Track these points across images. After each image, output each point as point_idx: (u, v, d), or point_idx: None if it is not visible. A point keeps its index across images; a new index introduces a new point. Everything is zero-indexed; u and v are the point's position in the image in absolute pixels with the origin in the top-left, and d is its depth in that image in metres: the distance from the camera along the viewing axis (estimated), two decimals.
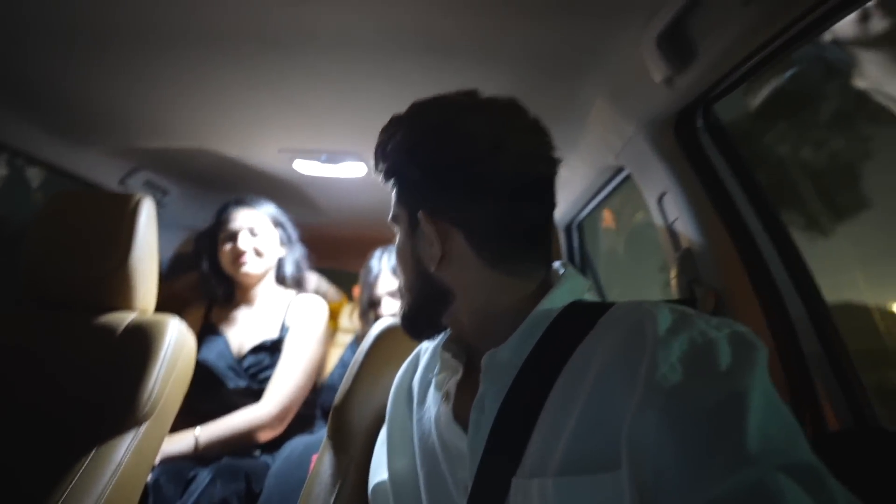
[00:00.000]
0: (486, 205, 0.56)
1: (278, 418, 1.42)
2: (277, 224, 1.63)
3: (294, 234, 1.69)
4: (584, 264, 1.82)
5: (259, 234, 1.56)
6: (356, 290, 1.84)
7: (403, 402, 0.71)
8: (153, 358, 1.00)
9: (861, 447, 0.69)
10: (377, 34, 0.91)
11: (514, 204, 0.56)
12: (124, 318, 1.06)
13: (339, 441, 0.82)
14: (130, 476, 0.94)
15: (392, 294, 1.71)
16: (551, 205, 0.61)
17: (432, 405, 0.64)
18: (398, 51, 0.96)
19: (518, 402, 0.52)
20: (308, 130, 1.35)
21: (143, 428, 0.97)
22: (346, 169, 1.57)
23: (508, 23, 0.86)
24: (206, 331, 1.55)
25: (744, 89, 0.94)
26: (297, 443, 1.41)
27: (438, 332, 0.65)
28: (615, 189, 1.40)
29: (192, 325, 1.17)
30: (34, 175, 1.78)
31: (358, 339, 1.85)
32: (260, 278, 1.59)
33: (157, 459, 1.20)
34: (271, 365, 1.49)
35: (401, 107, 0.62)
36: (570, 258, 1.81)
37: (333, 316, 1.87)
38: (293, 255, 1.67)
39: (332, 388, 1.68)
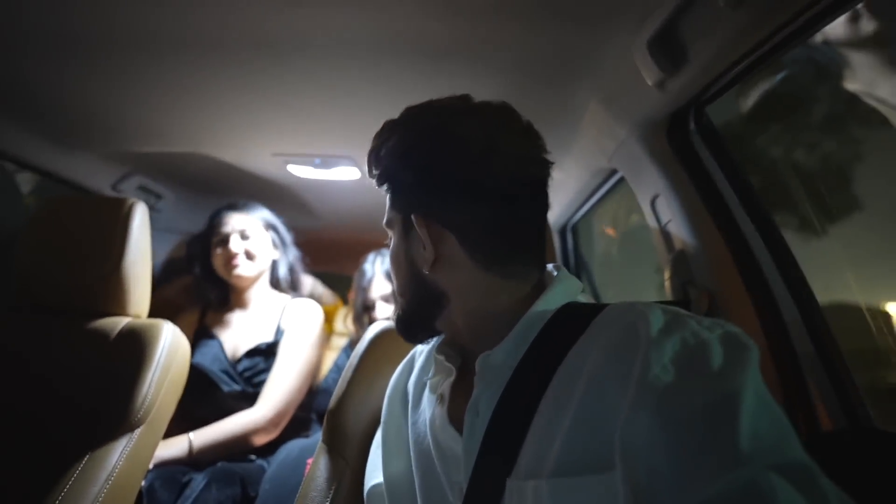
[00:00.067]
0: (478, 208, 0.56)
1: (273, 423, 1.41)
2: (269, 227, 1.63)
3: (288, 237, 1.69)
4: (578, 267, 1.83)
5: (250, 237, 1.56)
6: (351, 295, 1.84)
7: (398, 405, 0.71)
8: (147, 363, 0.99)
9: (854, 447, 0.69)
10: (371, 39, 0.91)
11: (507, 207, 0.57)
12: (118, 323, 1.05)
13: (334, 444, 0.82)
14: (125, 481, 0.93)
15: (385, 298, 1.71)
16: (544, 207, 0.61)
17: (427, 408, 0.64)
18: (392, 56, 0.96)
19: (512, 404, 0.52)
20: (302, 135, 1.35)
21: (137, 433, 0.96)
22: (340, 173, 1.58)
23: (501, 28, 0.87)
24: (201, 334, 1.54)
25: (735, 92, 0.95)
26: (293, 446, 1.41)
27: (433, 336, 0.65)
28: (609, 192, 1.41)
29: (186, 329, 1.17)
30: (26, 180, 1.77)
31: (352, 344, 1.85)
32: (253, 281, 1.59)
33: (152, 464, 1.20)
34: (266, 369, 1.49)
35: (394, 111, 0.63)
36: (565, 261, 1.82)
37: (328, 319, 1.87)
38: (287, 259, 1.67)
39: (326, 391, 1.68)
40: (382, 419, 0.71)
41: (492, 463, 0.51)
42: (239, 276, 1.54)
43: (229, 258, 1.53)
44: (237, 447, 1.36)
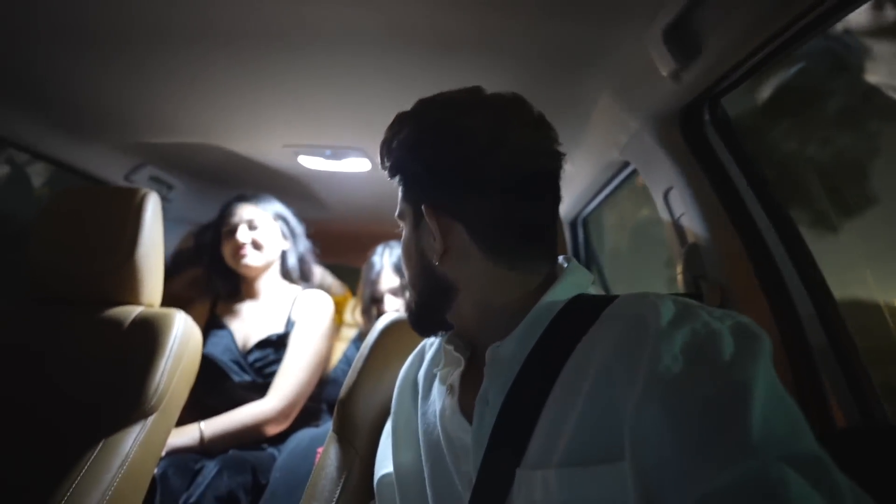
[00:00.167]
0: (487, 199, 0.56)
1: (284, 414, 1.42)
2: (278, 218, 1.64)
3: (298, 228, 1.69)
4: (588, 260, 1.82)
5: (258, 228, 1.57)
6: (360, 287, 1.85)
7: (408, 396, 0.71)
8: (160, 351, 1.00)
9: (870, 445, 0.68)
10: (381, 30, 0.91)
11: (517, 198, 0.57)
12: (131, 312, 1.06)
13: (344, 434, 0.82)
14: (138, 468, 0.95)
15: (394, 291, 1.71)
16: (555, 200, 0.61)
17: (437, 399, 0.65)
18: (402, 47, 0.96)
19: (522, 394, 0.52)
20: (312, 126, 1.35)
21: (150, 420, 0.98)
22: (351, 164, 1.57)
23: (513, 18, 0.86)
24: (212, 325, 1.56)
25: (750, 84, 0.93)
26: (303, 435, 1.42)
27: (445, 329, 0.65)
28: (620, 184, 1.40)
29: (197, 319, 1.18)
30: (41, 170, 1.79)
31: (361, 335, 1.86)
32: (261, 271, 1.60)
33: (164, 452, 1.21)
34: (277, 360, 1.50)
35: (405, 103, 0.63)
36: (575, 254, 1.81)
37: (338, 310, 1.88)
38: (297, 249, 1.67)
39: (335, 382, 1.69)
40: (392, 409, 0.72)
41: (501, 453, 0.51)
42: (247, 266, 1.55)
43: (237, 248, 1.54)
44: (248, 437, 1.37)
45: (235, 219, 1.57)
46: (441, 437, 0.61)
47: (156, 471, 1.12)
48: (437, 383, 0.66)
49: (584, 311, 0.53)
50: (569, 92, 1.10)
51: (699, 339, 0.44)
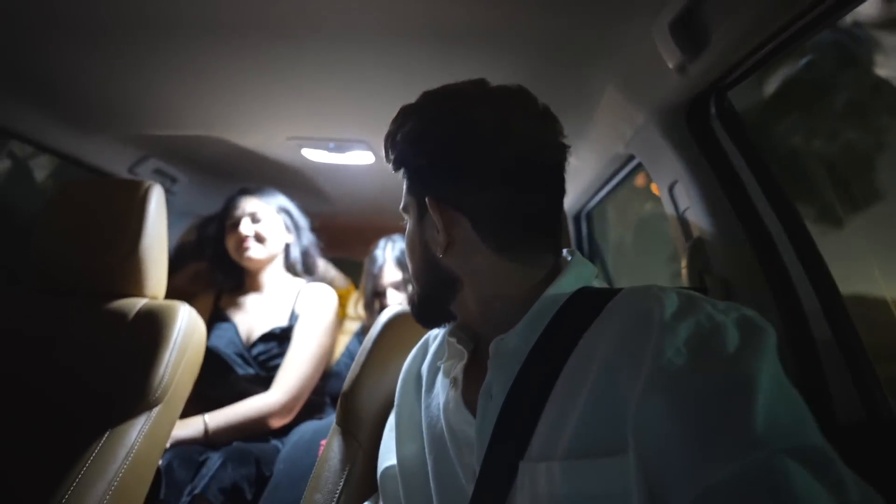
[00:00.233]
0: (491, 191, 0.56)
1: (288, 408, 1.43)
2: (282, 211, 1.64)
3: (302, 221, 1.69)
4: (592, 254, 1.81)
5: (262, 221, 1.57)
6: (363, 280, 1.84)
7: (412, 389, 0.71)
8: (164, 343, 1.01)
9: (874, 440, 0.68)
10: (386, 23, 0.90)
11: (521, 191, 0.57)
12: (135, 305, 1.07)
13: (348, 427, 0.82)
14: (143, 459, 0.95)
15: (396, 286, 1.71)
16: (559, 192, 0.61)
17: (440, 392, 0.65)
18: (406, 39, 0.95)
19: (526, 388, 0.52)
20: (316, 119, 1.35)
21: (154, 412, 0.98)
22: (354, 157, 1.57)
23: (518, 10, 0.85)
24: (216, 318, 1.56)
25: (757, 77, 0.92)
26: (307, 428, 1.43)
27: (449, 321, 0.65)
28: (625, 178, 1.39)
29: (201, 312, 1.18)
30: (45, 163, 1.79)
31: (364, 329, 1.86)
32: (265, 264, 1.60)
33: (168, 444, 1.22)
34: (281, 353, 1.51)
35: (409, 95, 0.62)
36: (579, 247, 1.80)
37: (341, 303, 1.88)
38: (301, 243, 1.67)
39: (339, 375, 1.69)
40: (396, 402, 0.72)
41: (505, 446, 0.51)
42: (250, 259, 1.55)
43: (240, 241, 1.54)
44: (252, 430, 1.38)
45: (239, 212, 1.57)
46: (445, 430, 0.61)
47: (160, 462, 1.13)
48: (440, 376, 0.66)
49: (588, 303, 0.53)
50: (574, 85, 1.09)
51: (703, 332, 0.44)
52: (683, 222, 1.04)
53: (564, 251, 0.62)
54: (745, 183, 0.89)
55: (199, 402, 1.35)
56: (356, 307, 1.94)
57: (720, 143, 0.92)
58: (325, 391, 1.63)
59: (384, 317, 0.90)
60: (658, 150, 1.02)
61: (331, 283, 1.83)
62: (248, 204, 1.58)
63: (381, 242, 1.79)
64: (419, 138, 0.59)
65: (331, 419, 0.89)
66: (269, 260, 1.60)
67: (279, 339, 1.53)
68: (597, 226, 1.84)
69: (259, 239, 1.56)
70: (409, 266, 0.64)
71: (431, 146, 0.58)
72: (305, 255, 1.69)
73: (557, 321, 0.54)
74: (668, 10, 0.78)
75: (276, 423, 1.42)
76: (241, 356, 1.50)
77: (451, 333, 0.63)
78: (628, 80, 1.01)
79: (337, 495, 0.77)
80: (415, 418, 0.68)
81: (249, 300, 1.60)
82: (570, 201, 1.67)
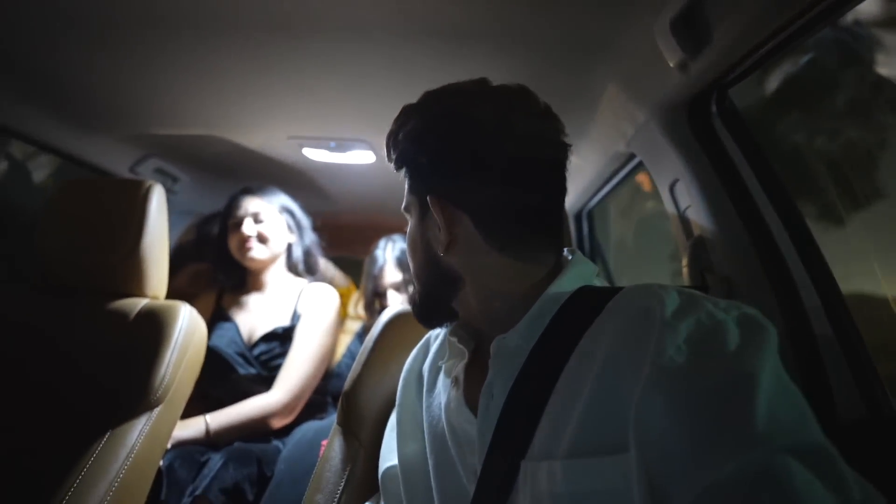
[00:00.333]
0: (492, 189, 0.56)
1: (289, 408, 1.43)
2: (284, 211, 1.64)
3: (304, 221, 1.69)
4: (593, 252, 1.81)
5: (264, 221, 1.57)
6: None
7: (413, 388, 0.71)
8: (165, 343, 1.01)
9: (875, 438, 0.68)
10: (387, 22, 0.90)
11: (522, 189, 0.57)
12: (137, 304, 1.07)
13: (349, 426, 0.82)
14: (144, 459, 0.95)
15: (397, 287, 1.70)
16: (561, 190, 0.61)
17: (442, 391, 0.65)
18: (408, 38, 0.95)
19: (527, 387, 0.52)
20: (317, 118, 1.35)
21: (156, 412, 0.98)
22: (355, 156, 1.57)
23: (519, 8, 0.85)
24: (218, 317, 1.56)
25: (759, 75, 0.92)
26: (308, 428, 1.43)
27: (450, 321, 0.65)
28: (626, 177, 1.39)
29: (203, 311, 1.18)
30: (46, 162, 1.79)
31: (366, 329, 1.86)
32: (267, 264, 1.60)
33: (169, 444, 1.22)
34: (282, 353, 1.51)
35: (410, 94, 0.62)
36: (580, 246, 1.80)
37: (342, 303, 1.88)
38: (303, 242, 1.67)
39: (340, 375, 1.69)
40: (397, 402, 0.72)
41: (506, 445, 0.51)
42: (252, 259, 1.55)
43: (243, 241, 1.54)
44: (253, 430, 1.38)
45: (241, 212, 1.57)
46: (446, 430, 0.61)
47: (162, 463, 1.13)
48: (441, 376, 0.66)
49: (588, 302, 0.53)
50: (575, 83, 1.09)
51: (704, 330, 0.44)
52: (684, 220, 1.04)
53: (565, 250, 0.62)
54: (747, 181, 0.89)
55: (201, 402, 1.35)
56: (356, 307, 1.93)
57: (721, 141, 0.92)
58: (326, 391, 1.64)
59: (385, 317, 0.90)
60: (659, 148, 1.02)
61: (331, 281, 1.83)
62: (251, 204, 1.58)
63: (381, 243, 1.78)
64: (421, 137, 0.59)
65: (332, 419, 0.89)
66: (272, 260, 1.60)
67: (281, 338, 1.53)
68: (598, 224, 1.84)
69: (261, 239, 1.56)
70: (411, 265, 0.65)
71: (433, 145, 0.58)
72: (307, 255, 1.68)
73: (558, 320, 0.54)
74: (670, 8, 0.78)
75: (278, 422, 1.42)
76: (242, 356, 1.50)
77: (452, 333, 0.63)
78: (629, 79, 1.01)
79: (338, 495, 0.77)
80: (416, 418, 0.68)
81: (251, 300, 1.61)
82: (571, 200, 1.67)
